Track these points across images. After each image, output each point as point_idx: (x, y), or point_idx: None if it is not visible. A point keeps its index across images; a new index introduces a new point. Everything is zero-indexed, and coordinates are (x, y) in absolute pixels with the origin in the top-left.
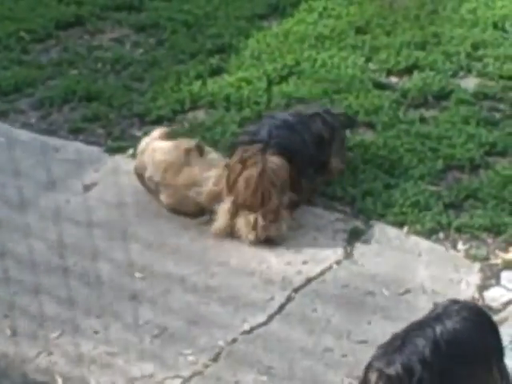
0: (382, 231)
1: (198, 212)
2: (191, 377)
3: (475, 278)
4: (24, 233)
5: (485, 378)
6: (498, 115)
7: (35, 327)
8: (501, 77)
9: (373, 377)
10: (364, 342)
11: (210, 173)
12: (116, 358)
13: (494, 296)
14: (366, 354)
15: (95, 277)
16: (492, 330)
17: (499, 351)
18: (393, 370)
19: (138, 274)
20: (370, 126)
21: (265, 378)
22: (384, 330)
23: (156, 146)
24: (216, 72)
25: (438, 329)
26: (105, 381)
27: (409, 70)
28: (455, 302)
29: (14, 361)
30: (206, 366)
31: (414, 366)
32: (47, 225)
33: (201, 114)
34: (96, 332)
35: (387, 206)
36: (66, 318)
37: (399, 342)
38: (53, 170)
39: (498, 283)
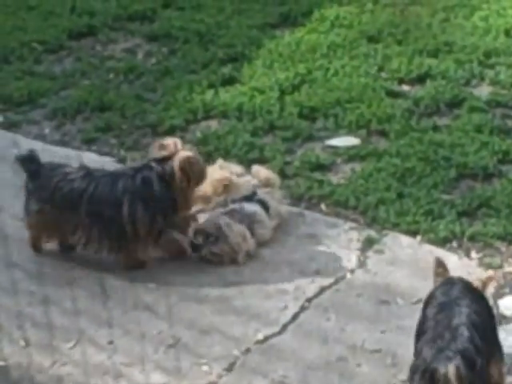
0: (396, 240)
1: None
2: None
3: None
4: None
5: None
6: (510, 123)
7: (49, 338)
8: None
9: (442, 370)
10: (378, 351)
11: None
12: (130, 369)
13: (508, 304)
14: (380, 363)
15: (109, 287)
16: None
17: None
18: (458, 361)
19: (151, 285)
20: (383, 134)
21: None
22: (398, 340)
23: None
24: (228, 81)
25: (469, 313)
26: None
27: (421, 79)
28: (451, 281)
29: (27, 371)
30: (220, 376)
31: (474, 357)
32: None
33: (213, 124)
34: (110, 342)
35: (400, 215)
36: (80, 328)
37: (449, 335)
38: None
39: (511, 292)
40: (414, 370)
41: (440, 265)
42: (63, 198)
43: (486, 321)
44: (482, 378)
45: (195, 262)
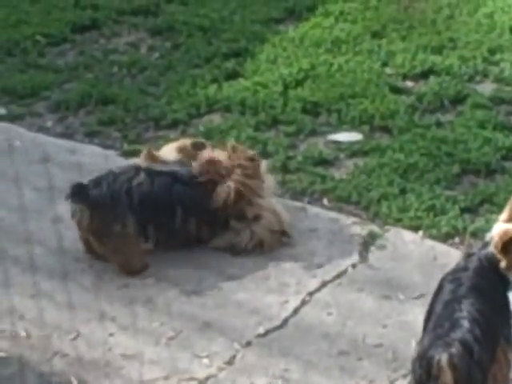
0: (398, 235)
1: None
2: (206, 379)
3: None
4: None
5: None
6: None
7: (50, 329)
8: None
9: (437, 357)
10: (379, 345)
11: None
12: (131, 361)
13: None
14: (382, 357)
15: (110, 280)
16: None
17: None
18: (455, 349)
19: (150, 279)
20: (386, 130)
21: (279, 381)
22: (399, 334)
23: None
24: (232, 76)
25: (472, 306)
26: (119, 383)
27: (425, 75)
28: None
29: (29, 363)
30: (221, 369)
31: (472, 345)
32: (64, 228)
33: (216, 118)
34: (111, 334)
35: (403, 210)
36: (81, 320)
37: (448, 325)
38: (69, 173)
39: None
40: (414, 358)
41: None
42: None
43: (491, 316)
44: (480, 366)
45: (196, 255)
